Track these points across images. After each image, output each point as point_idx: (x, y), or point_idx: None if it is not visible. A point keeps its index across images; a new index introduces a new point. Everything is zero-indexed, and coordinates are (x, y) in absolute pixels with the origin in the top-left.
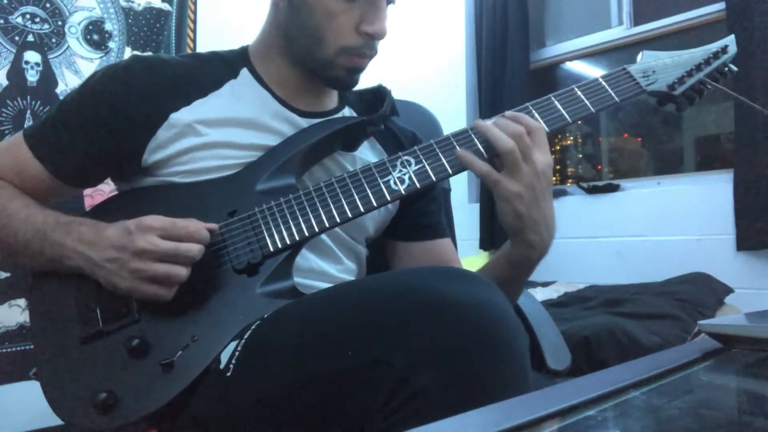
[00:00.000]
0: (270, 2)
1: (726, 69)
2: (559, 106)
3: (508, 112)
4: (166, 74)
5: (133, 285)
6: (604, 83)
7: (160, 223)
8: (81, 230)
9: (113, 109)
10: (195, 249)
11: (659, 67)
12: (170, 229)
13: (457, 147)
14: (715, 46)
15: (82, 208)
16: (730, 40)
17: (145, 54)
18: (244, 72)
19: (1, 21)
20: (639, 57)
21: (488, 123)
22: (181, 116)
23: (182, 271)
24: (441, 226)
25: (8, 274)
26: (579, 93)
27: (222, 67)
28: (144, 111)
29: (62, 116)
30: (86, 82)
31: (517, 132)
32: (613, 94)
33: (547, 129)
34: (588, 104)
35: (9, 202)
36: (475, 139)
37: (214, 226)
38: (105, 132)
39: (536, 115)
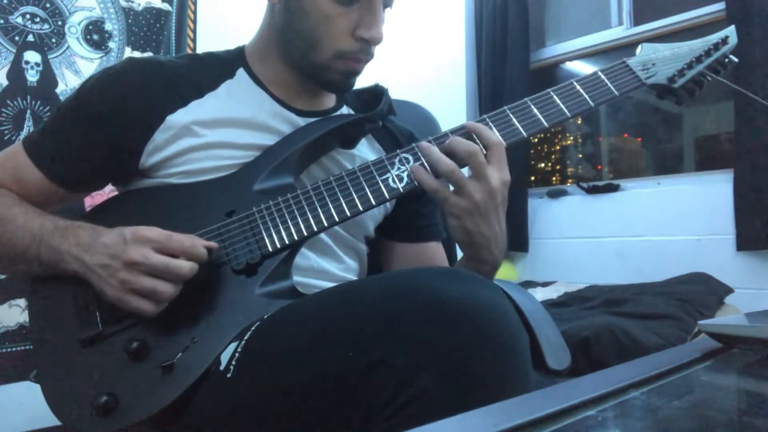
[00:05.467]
0: (266, 3)
1: (726, 60)
2: (558, 100)
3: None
4: (162, 76)
5: (119, 295)
6: (603, 77)
7: (156, 236)
8: (78, 234)
9: (109, 113)
10: (186, 267)
11: (659, 59)
12: (165, 243)
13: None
14: (715, 37)
15: (82, 209)
16: (730, 31)
17: (141, 56)
18: (241, 72)
19: (1, 21)
20: (638, 50)
21: (433, 145)
22: (178, 118)
23: (169, 289)
24: (435, 228)
25: None
26: (578, 87)
27: (218, 68)
28: (140, 114)
29: (59, 122)
30: (82, 87)
31: (469, 151)
32: (612, 88)
33: (546, 124)
34: (587, 98)
35: (8, 209)
36: (474, 137)
37: (213, 244)
38: (102, 136)
39: (535, 110)
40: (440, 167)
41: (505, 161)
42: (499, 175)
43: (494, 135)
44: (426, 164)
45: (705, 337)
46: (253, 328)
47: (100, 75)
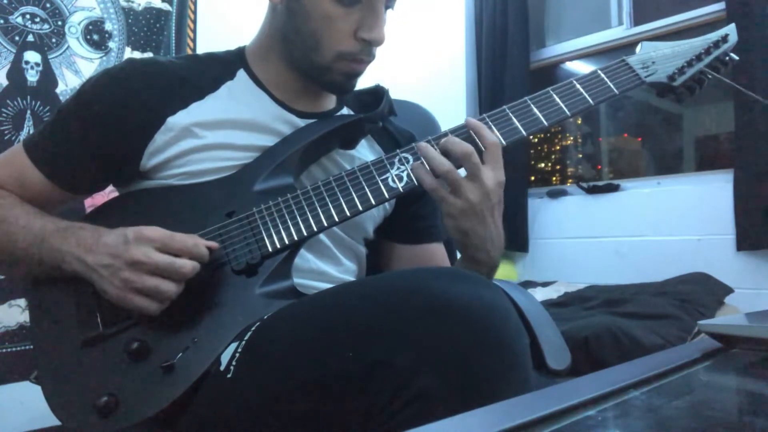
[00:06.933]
0: (268, 3)
1: (727, 58)
2: (557, 99)
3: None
4: (162, 77)
5: (122, 294)
6: (602, 75)
7: (159, 236)
8: (79, 235)
9: (110, 114)
10: (188, 266)
11: (658, 57)
12: (168, 243)
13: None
14: (715, 35)
15: (83, 209)
16: (730, 29)
17: (141, 57)
18: (241, 73)
19: (1, 21)
20: (638, 48)
21: (432, 144)
22: (178, 119)
23: (171, 288)
24: (436, 230)
25: None
26: (578, 86)
27: (218, 69)
28: (141, 116)
29: (60, 124)
30: (82, 88)
31: (464, 152)
32: (612, 86)
33: (546, 123)
34: (587, 97)
35: (9, 211)
36: (473, 135)
37: (214, 244)
38: (102, 138)
39: (535, 110)
40: (436, 167)
41: (500, 162)
42: (493, 175)
43: (491, 135)
44: (425, 163)
45: (705, 337)
46: (253, 329)
47: (100, 76)
